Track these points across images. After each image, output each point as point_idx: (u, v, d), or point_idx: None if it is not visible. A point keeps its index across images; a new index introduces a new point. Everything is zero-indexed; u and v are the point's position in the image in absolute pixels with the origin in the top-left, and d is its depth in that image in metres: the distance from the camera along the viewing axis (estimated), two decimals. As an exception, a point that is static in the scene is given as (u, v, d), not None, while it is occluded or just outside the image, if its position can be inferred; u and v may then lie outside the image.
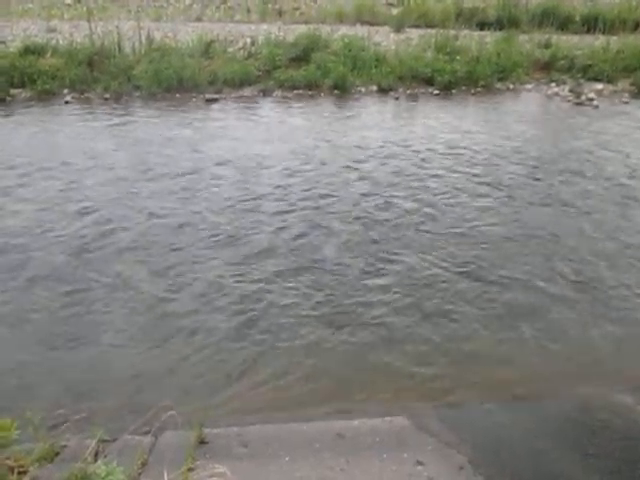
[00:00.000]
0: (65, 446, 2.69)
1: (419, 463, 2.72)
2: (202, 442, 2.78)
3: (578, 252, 4.93)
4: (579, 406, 3.25)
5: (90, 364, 3.58)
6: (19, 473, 2.32)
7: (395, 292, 4.31)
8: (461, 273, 4.58)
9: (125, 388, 3.37)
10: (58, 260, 4.69)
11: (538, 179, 6.51)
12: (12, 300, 4.18)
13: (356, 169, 6.67)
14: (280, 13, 15.62)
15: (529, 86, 11.07)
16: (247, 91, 10.16)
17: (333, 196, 5.92)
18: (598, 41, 12.44)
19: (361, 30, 13.13)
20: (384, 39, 12.64)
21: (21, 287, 4.33)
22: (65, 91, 9.93)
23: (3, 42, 11.56)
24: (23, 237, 5.06)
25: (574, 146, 7.70)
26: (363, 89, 10.46)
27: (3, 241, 4.99)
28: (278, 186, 6.16)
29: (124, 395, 3.31)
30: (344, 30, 12.81)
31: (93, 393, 3.32)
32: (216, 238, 5.06)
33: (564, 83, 11.07)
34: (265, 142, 7.62)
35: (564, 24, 13.89)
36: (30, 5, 17.35)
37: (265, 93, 10.13)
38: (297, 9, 16.30)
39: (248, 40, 11.57)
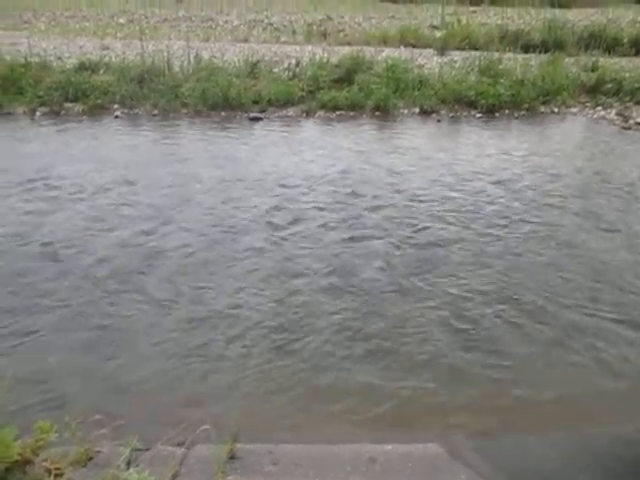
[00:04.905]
0: (99, 452, 2.73)
1: (452, 493, 2.64)
2: (233, 457, 2.78)
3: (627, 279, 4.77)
4: (619, 440, 3.12)
5: (129, 373, 3.65)
6: (55, 475, 2.37)
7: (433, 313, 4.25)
8: (503, 295, 4.49)
9: (161, 398, 3.42)
10: (83, 265, 4.84)
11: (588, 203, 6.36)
12: (60, 307, 4.32)
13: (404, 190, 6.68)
14: (325, 35, 15.84)
15: (574, 110, 10.86)
16: (290, 111, 10.30)
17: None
18: (647, 64, 12.14)
19: (405, 52, 13.19)
20: (427, 61, 12.66)
21: (67, 296, 4.48)
22: (115, 106, 10.31)
23: (60, 58, 12.13)
24: (62, 243, 5.25)
25: (623, 170, 7.49)
26: (405, 111, 10.46)
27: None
28: (318, 207, 6.22)
29: (160, 405, 3.35)
30: (388, 52, 12.90)
31: (130, 401, 3.37)
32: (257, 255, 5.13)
33: (611, 107, 10.81)
34: (307, 161, 7.70)
35: (611, 46, 13.61)
36: (86, 24, 18.21)
37: (308, 113, 10.25)
38: (341, 31, 16.52)
39: (293, 61, 11.76)
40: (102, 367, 3.70)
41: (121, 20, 18.58)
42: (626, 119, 10.15)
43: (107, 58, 11.86)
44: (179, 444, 2.80)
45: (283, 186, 6.74)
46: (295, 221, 5.79)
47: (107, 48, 13.39)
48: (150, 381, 3.59)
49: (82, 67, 11.25)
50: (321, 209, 6.08)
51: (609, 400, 3.48)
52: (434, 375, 3.65)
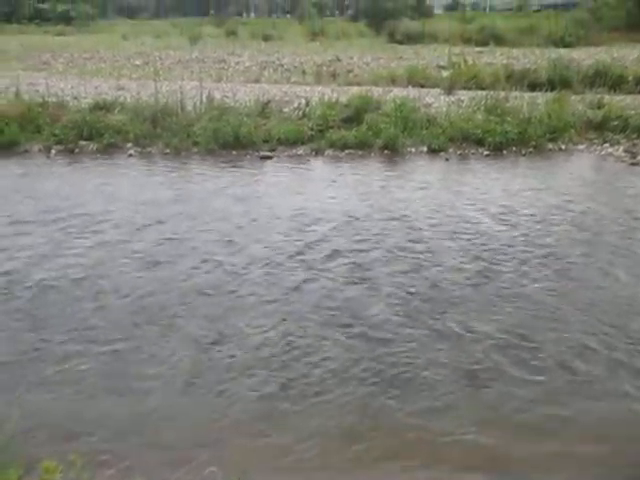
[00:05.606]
0: (105, 493, 2.71)
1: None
2: (240, 500, 2.74)
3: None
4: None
5: (137, 413, 3.63)
6: (60, 517, 2.34)
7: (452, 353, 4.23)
8: (522, 336, 4.47)
9: (170, 439, 3.39)
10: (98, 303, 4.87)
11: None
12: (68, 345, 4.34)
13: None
14: (334, 75, 16.18)
15: (581, 146, 10.93)
16: (300, 150, 10.45)
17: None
18: (653, 101, 12.26)
19: (412, 92, 13.43)
20: (435, 101, 12.87)
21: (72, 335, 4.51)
22: (128, 145, 10.53)
23: (76, 98, 12.48)
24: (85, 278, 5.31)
25: (633, 207, 7.52)
26: (413, 150, 10.57)
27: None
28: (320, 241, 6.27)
29: (168, 446, 3.32)
30: (396, 92, 13.14)
31: (138, 442, 3.34)
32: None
33: (618, 143, 10.87)
34: (318, 199, 7.81)
35: (617, 84, 13.76)
36: (103, 65, 18.80)
37: (317, 152, 10.38)
38: (350, 72, 16.89)
39: (303, 101, 12.01)
40: (113, 408, 3.69)
41: (137, 62, 19.15)
42: (634, 155, 10.20)
43: (122, 98, 12.19)
44: (186, 485, 2.77)
45: (295, 220, 6.86)
46: (315, 259, 5.87)
47: (122, 88, 13.77)
48: (157, 421, 3.56)
49: (97, 107, 11.57)
50: (335, 248, 6.11)
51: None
52: (444, 417, 3.60)
